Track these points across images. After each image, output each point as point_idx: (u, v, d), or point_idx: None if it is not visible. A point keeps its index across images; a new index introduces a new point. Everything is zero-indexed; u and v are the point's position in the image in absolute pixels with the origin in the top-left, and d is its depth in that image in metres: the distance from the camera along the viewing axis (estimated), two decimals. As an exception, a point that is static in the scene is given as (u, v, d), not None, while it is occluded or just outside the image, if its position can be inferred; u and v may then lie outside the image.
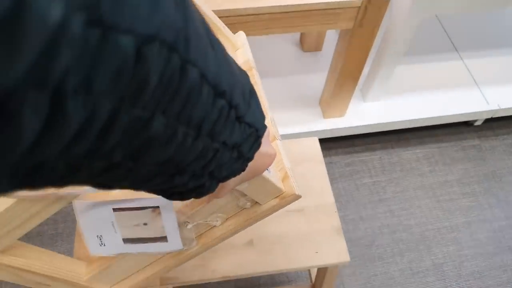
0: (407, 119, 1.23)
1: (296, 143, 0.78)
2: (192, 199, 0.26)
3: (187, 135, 0.18)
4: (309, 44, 1.32)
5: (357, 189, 1.26)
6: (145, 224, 0.46)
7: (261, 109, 0.25)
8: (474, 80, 1.32)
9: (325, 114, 1.19)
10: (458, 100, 1.28)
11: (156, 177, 0.20)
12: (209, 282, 0.66)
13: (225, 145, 0.22)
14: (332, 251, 0.68)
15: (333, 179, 1.25)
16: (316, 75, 1.26)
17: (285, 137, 1.14)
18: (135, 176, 0.19)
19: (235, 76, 0.21)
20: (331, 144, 1.30)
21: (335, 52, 1.05)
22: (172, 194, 0.24)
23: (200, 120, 0.19)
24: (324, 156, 0.78)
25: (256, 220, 0.48)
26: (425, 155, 1.33)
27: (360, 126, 1.20)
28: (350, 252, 0.68)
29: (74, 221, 1.03)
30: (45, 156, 0.13)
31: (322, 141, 0.82)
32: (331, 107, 1.16)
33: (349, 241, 1.14)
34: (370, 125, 1.21)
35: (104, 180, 0.18)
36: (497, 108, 1.27)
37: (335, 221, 0.71)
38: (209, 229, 0.50)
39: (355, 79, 1.07)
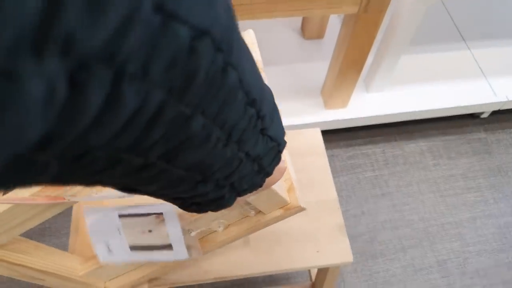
0: (412, 110, 1.18)
1: (297, 134, 0.74)
2: None
3: (219, 140, 0.18)
4: (310, 31, 1.26)
5: (359, 183, 1.22)
6: (150, 231, 0.47)
7: (282, 124, 0.25)
8: (482, 71, 1.27)
9: (327, 105, 1.14)
10: (464, 92, 1.23)
11: (183, 184, 0.20)
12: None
13: (248, 156, 0.22)
14: (334, 250, 0.64)
15: (334, 173, 1.20)
16: (318, 64, 1.21)
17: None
18: (163, 180, 0.19)
19: (263, 88, 0.22)
20: (333, 136, 1.26)
21: (338, 40, 1.00)
22: (191, 204, 0.24)
23: (232, 126, 0.19)
24: (325, 148, 0.73)
25: (258, 229, 0.48)
26: (429, 148, 1.29)
27: (363, 117, 1.15)
28: (351, 248, 0.64)
29: (62, 215, 0.99)
30: (93, 143, 0.13)
31: (323, 133, 0.77)
32: (333, 98, 1.11)
33: (350, 237, 1.10)
34: (373, 116, 1.16)
35: (133, 182, 0.18)
36: (505, 100, 1.22)
37: (338, 218, 0.67)
38: (210, 233, 0.49)
39: (359, 68, 1.03)
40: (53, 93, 0.10)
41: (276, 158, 0.26)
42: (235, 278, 0.61)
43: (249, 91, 0.19)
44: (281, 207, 0.46)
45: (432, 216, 1.18)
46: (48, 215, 0.37)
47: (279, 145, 0.25)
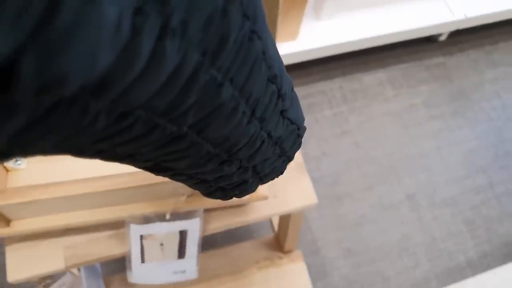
0: (367, 37, 1.07)
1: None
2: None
3: (244, 115, 0.19)
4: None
5: (317, 122, 1.12)
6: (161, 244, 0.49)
7: (301, 110, 0.25)
8: (437, -11, 1.18)
9: (274, 38, 1.01)
10: (420, 13, 1.13)
11: (209, 162, 0.20)
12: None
13: (270, 137, 0.22)
14: (294, 193, 0.53)
15: (289, 114, 1.10)
16: (260, -7, 1.07)
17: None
18: (192, 156, 0.19)
19: (283, 67, 0.21)
20: (284, 75, 1.14)
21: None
22: (216, 190, 0.24)
23: (256, 101, 0.19)
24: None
25: (217, 206, 0.50)
26: (388, 78, 1.20)
27: (315, 49, 1.03)
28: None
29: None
30: (136, 100, 0.13)
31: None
32: (281, 29, 0.98)
33: (312, 181, 1.01)
34: (326, 47, 1.05)
35: (164, 156, 0.18)
36: (463, 18, 1.14)
37: (296, 157, 0.56)
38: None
39: (305, -8, 0.90)
40: (120, 24, 0.11)
41: (296, 143, 0.26)
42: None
43: (271, 65, 0.19)
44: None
45: (396, 150, 1.11)
46: None
47: (299, 128, 0.25)
